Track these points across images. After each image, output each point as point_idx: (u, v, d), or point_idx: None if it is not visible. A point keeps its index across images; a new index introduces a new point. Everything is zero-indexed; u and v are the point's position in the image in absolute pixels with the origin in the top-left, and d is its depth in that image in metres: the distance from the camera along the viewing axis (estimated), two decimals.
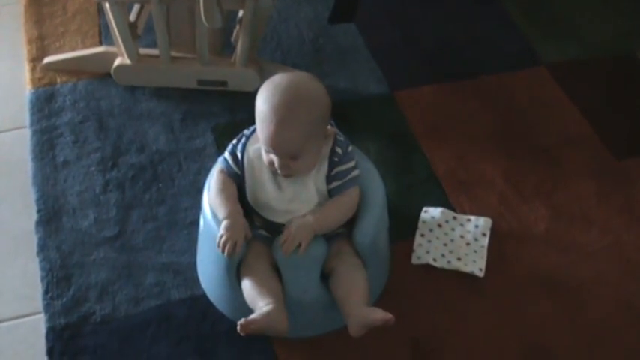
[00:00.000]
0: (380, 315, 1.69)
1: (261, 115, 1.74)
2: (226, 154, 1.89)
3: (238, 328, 1.69)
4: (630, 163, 2.36)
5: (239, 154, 1.87)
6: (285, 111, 1.71)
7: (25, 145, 2.38)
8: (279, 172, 1.79)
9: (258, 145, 1.82)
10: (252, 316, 1.72)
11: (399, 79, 2.61)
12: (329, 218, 1.84)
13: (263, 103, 1.74)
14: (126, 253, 2.10)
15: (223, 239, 1.78)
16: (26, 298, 2.03)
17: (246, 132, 1.90)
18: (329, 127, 1.84)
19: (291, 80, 1.76)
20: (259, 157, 1.83)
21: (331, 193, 1.86)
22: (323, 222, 1.83)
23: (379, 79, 2.60)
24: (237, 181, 1.88)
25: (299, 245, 1.79)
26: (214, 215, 1.87)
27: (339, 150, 1.84)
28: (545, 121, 2.48)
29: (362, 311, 1.73)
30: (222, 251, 1.79)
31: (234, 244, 1.78)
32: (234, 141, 1.90)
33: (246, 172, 1.86)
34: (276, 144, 1.74)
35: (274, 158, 1.77)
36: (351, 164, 1.86)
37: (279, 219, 1.87)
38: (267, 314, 1.72)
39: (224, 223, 1.80)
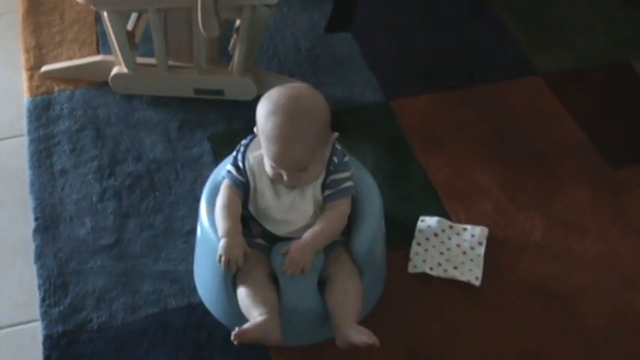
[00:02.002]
0: (364, 338, 1.70)
1: (264, 134, 1.75)
2: (229, 167, 1.90)
3: (232, 337, 1.70)
4: (626, 171, 2.36)
5: (241, 164, 1.87)
6: (289, 128, 1.71)
7: (23, 153, 2.38)
8: (288, 184, 1.80)
9: (257, 152, 1.83)
10: (245, 326, 1.72)
11: (395, 88, 2.61)
12: (324, 235, 1.85)
13: (265, 121, 1.74)
14: (123, 261, 2.10)
15: (223, 259, 1.80)
16: (23, 305, 2.03)
17: (243, 142, 1.90)
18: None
19: (290, 95, 1.76)
20: (259, 163, 1.84)
21: (324, 201, 1.86)
22: (320, 240, 1.84)
23: (375, 89, 2.61)
24: (244, 190, 1.88)
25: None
26: (212, 224, 1.88)
27: (335, 159, 1.85)
28: (540, 130, 2.48)
29: (349, 329, 1.74)
30: (224, 268, 1.81)
31: (235, 262, 1.80)
32: (233, 153, 1.90)
33: (249, 180, 1.87)
34: (284, 161, 1.75)
35: (282, 172, 1.78)
36: (346, 174, 1.87)
37: (277, 231, 1.88)
38: (261, 325, 1.73)
39: (222, 242, 1.82)
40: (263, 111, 1.76)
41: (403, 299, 2.03)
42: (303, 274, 1.81)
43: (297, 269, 1.80)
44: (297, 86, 1.83)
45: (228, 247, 1.80)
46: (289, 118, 1.72)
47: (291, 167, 1.76)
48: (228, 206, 1.87)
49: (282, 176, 1.79)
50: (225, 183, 1.90)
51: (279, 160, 1.75)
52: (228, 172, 1.90)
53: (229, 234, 1.82)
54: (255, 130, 1.81)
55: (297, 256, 1.80)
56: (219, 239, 1.83)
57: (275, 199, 1.85)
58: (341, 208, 1.87)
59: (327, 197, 1.86)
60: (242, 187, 1.88)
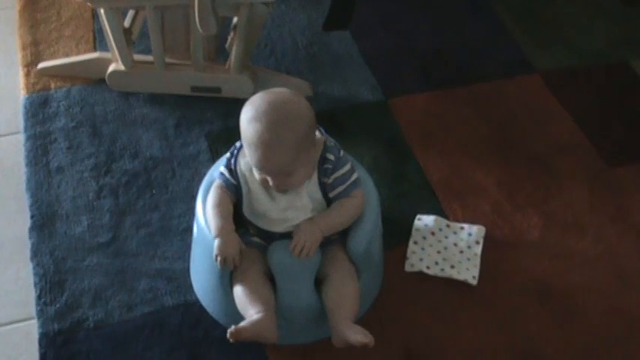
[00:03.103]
0: (360, 337, 1.70)
1: (247, 140, 1.74)
2: (222, 168, 1.89)
3: (228, 335, 1.69)
4: (623, 170, 2.36)
5: (233, 167, 1.87)
6: (271, 135, 1.70)
7: (19, 151, 2.37)
8: (275, 189, 1.80)
9: (248, 158, 1.82)
10: (242, 324, 1.72)
11: (393, 87, 2.61)
12: (335, 220, 1.85)
13: (247, 127, 1.73)
14: (119, 259, 2.10)
15: (220, 259, 1.79)
16: (19, 303, 2.03)
17: (237, 144, 1.89)
18: (317, 134, 1.84)
19: (271, 101, 1.74)
20: (251, 169, 1.83)
21: (334, 200, 1.86)
22: (330, 225, 1.84)
23: (373, 87, 2.61)
24: (236, 193, 1.88)
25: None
26: (208, 222, 1.87)
27: (330, 156, 1.84)
28: (538, 129, 2.48)
29: (346, 328, 1.74)
30: (221, 267, 1.81)
31: (232, 260, 1.80)
32: (227, 154, 1.90)
33: (241, 185, 1.86)
34: (266, 167, 1.74)
35: (268, 177, 1.78)
36: (347, 167, 1.86)
37: (276, 228, 1.87)
38: (257, 323, 1.73)
39: (217, 242, 1.81)
40: (245, 117, 1.75)
41: (400, 298, 2.03)
42: (296, 268, 1.81)
43: (305, 247, 1.79)
44: (279, 91, 1.80)
45: (223, 246, 1.80)
46: (270, 124, 1.70)
47: (274, 173, 1.76)
48: (220, 205, 1.86)
49: (267, 181, 1.78)
50: (217, 183, 1.90)
51: (261, 167, 1.75)
52: (221, 173, 1.89)
53: (223, 232, 1.82)
54: None
55: (304, 235, 1.79)
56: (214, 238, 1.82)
57: (270, 202, 1.84)
58: (356, 198, 1.87)
59: (340, 194, 1.85)
60: (233, 189, 1.88)
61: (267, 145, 1.70)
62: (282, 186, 1.79)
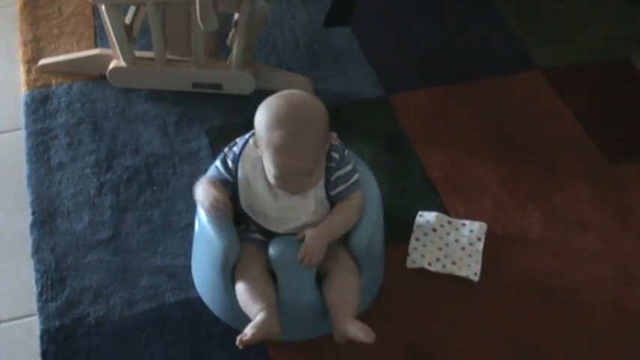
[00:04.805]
0: (361, 334, 1.70)
1: (269, 147, 1.72)
2: (217, 163, 1.88)
3: (237, 343, 1.68)
4: (624, 167, 2.36)
5: (230, 162, 1.86)
6: (294, 140, 1.70)
7: (20, 147, 2.37)
8: (292, 192, 1.80)
9: (252, 157, 1.82)
10: (248, 330, 1.70)
11: (395, 83, 2.60)
12: (339, 225, 1.86)
13: (269, 133, 1.72)
14: (120, 255, 2.10)
15: (207, 204, 1.81)
16: (20, 300, 2.03)
17: (238, 141, 1.88)
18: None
19: (289, 103, 1.74)
20: (253, 168, 1.82)
21: (334, 199, 1.86)
22: (335, 230, 1.85)
23: (374, 83, 2.60)
24: (227, 187, 1.87)
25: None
26: (209, 218, 1.87)
27: (335, 155, 1.84)
28: (539, 126, 2.48)
29: (347, 324, 1.74)
30: (211, 214, 1.82)
31: (223, 204, 1.80)
32: (225, 149, 1.89)
33: (240, 183, 1.85)
34: (290, 170, 1.74)
35: (287, 180, 1.77)
36: (350, 167, 1.86)
37: (276, 228, 1.87)
38: (261, 324, 1.72)
39: (200, 193, 1.84)
40: (265, 122, 1.74)
41: (401, 294, 2.02)
42: (297, 265, 1.81)
43: (312, 260, 1.79)
44: (293, 93, 1.80)
45: (209, 196, 1.81)
46: (291, 129, 1.70)
47: (299, 174, 1.75)
48: (213, 184, 1.85)
49: (285, 185, 1.78)
50: (209, 177, 1.88)
51: (287, 170, 1.74)
52: (216, 167, 1.88)
53: (210, 192, 1.83)
54: (252, 140, 1.81)
55: (312, 246, 1.79)
56: (216, 233, 1.82)
57: (273, 201, 1.84)
58: (356, 200, 1.87)
59: (340, 193, 1.86)
60: (227, 185, 1.87)
61: (291, 150, 1.70)
62: (300, 187, 1.79)
